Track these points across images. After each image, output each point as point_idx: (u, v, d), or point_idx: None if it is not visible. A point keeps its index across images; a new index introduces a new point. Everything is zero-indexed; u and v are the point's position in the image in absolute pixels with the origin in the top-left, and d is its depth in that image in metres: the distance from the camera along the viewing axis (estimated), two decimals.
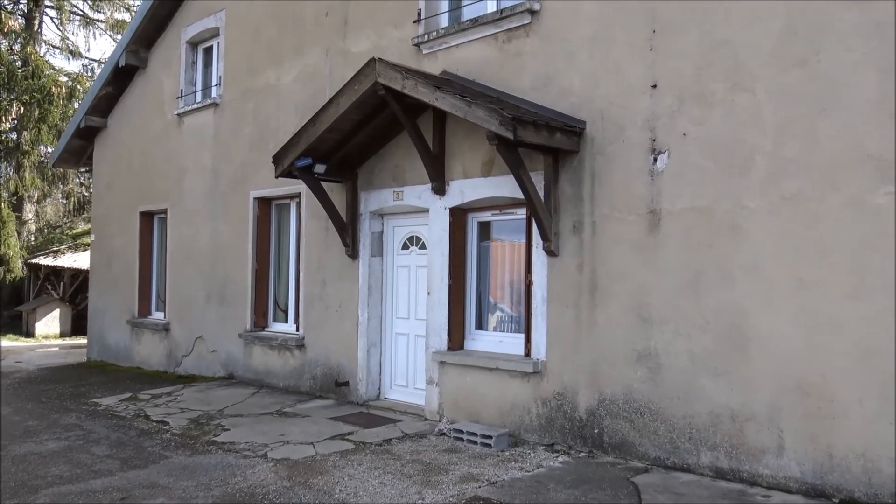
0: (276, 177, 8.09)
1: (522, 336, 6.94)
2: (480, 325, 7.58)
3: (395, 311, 8.44)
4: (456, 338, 7.49)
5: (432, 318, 7.61)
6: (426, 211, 7.77)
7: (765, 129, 5.35)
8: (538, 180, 6.55)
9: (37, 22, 24.72)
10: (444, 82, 6.72)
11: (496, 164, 7.07)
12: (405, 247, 8.37)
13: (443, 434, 7.05)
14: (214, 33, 11.13)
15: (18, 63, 23.10)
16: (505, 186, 6.97)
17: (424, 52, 7.83)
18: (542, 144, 6.14)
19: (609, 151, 6.23)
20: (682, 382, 5.71)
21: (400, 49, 8.00)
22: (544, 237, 6.49)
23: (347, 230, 8.43)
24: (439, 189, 7.51)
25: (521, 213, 7.09)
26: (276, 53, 9.84)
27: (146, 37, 12.16)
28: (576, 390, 6.38)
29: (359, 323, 8.46)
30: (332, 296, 8.83)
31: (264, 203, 10.06)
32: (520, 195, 6.75)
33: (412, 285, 8.24)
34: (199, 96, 11.43)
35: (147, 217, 12.40)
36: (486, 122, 5.94)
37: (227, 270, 10.40)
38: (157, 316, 12.16)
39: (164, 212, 11.84)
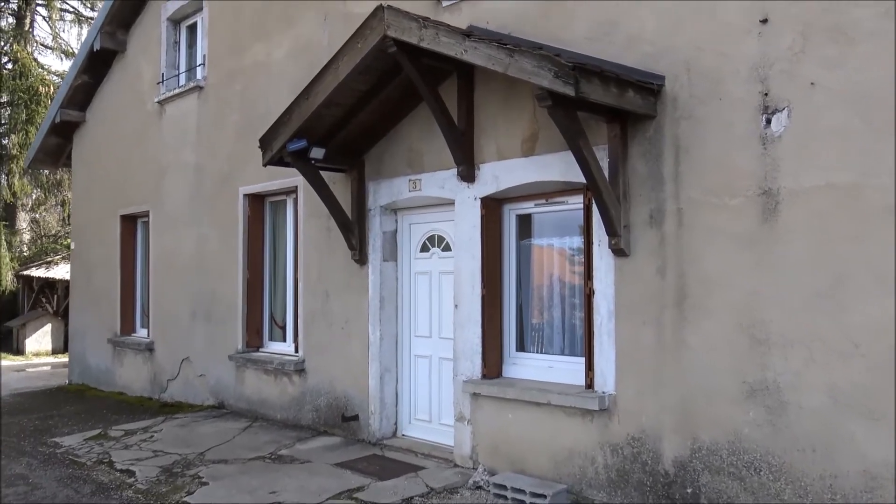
0: (264, 164, 6.54)
1: (582, 361, 5.34)
2: (523, 346, 5.99)
3: (413, 329, 6.86)
4: (492, 363, 5.91)
5: (461, 337, 6.03)
6: (451, 203, 6.20)
7: None
8: (601, 157, 4.96)
9: (28, 21, 23.43)
10: (473, 32, 5.14)
11: (541, 140, 5.49)
12: (425, 248, 6.80)
13: (479, 488, 5.48)
14: (198, 7, 9.63)
15: (8, 63, 21.84)
16: (553, 167, 5.39)
17: (444, 4, 6.28)
18: (609, 105, 4.55)
19: (699, 114, 4.63)
20: (819, 428, 4.10)
21: (413, 5, 6.40)
22: (611, 231, 4.90)
23: (353, 230, 6.88)
24: (467, 174, 5.94)
25: (576, 202, 5.51)
26: (264, 25, 8.31)
27: (123, 16, 10.68)
28: (658, 435, 4.78)
29: (369, 343, 6.89)
30: (336, 310, 7.27)
31: (256, 200, 8.52)
32: (573, 178, 5.20)
33: (435, 296, 6.66)
34: (182, 80, 9.92)
35: (129, 222, 10.89)
36: (535, 76, 4.36)
37: (215, 281, 8.86)
38: (141, 334, 10.65)
39: (147, 215, 10.34)
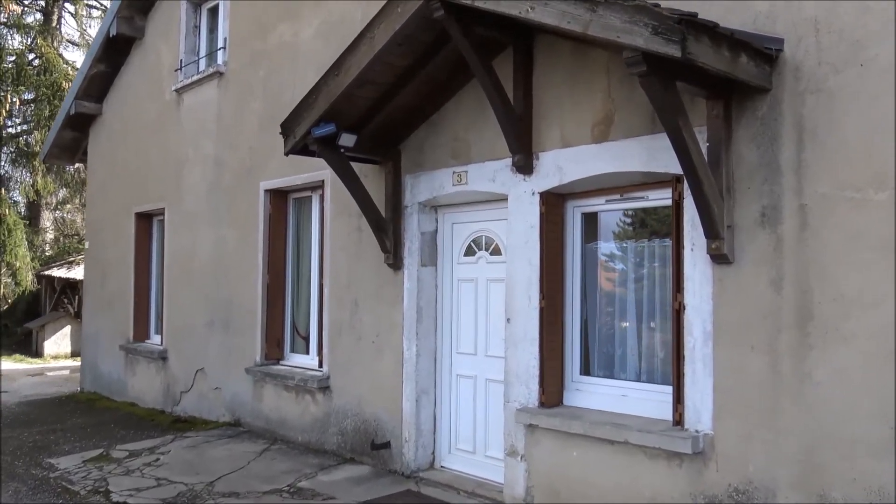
0: (286, 153, 5.69)
1: (666, 391, 4.39)
2: (588, 369, 5.05)
3: (455, 345, 5.95)
4: (552, 388, 4.97)
5: (514, 357, 5.11)
6: (503, 199, 5.28)
7: None
8: (700, 140, 4.01)
9: (55, 17, 23.06)
10: None
11: (616, 124, 4.56)
12: (470, 252, 5.89)
13: None
14: None
15: (35, 60, 21.42)
16: (632, 156, 4.46)
17: None
18: (717, 74, 3.61)
19: (832, 85, 3.67)
20: None
21: None
22: (711, 233, 3.95)
23: (387, 230, 6.00)
24: (524, 165, 5.03)
25: (659, 197, 4.56)
26: (291, 2, 7.48)
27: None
28: (771, 489, 3.81)
29: (404, 360, 6.00)
30: (366, 322, 6.39)
31: (279, 197, 7.68)
32: (657, 168, 4.28)
33: (481, 307, 5.74)
34: (202, 65, 9.13)
35: (144, 220, 10.13)
36: (626, 34, 3.43)
37: (233, 286, 8.04)
38: (155, 340, 9.87)
39: (163, 212, 9.57)
